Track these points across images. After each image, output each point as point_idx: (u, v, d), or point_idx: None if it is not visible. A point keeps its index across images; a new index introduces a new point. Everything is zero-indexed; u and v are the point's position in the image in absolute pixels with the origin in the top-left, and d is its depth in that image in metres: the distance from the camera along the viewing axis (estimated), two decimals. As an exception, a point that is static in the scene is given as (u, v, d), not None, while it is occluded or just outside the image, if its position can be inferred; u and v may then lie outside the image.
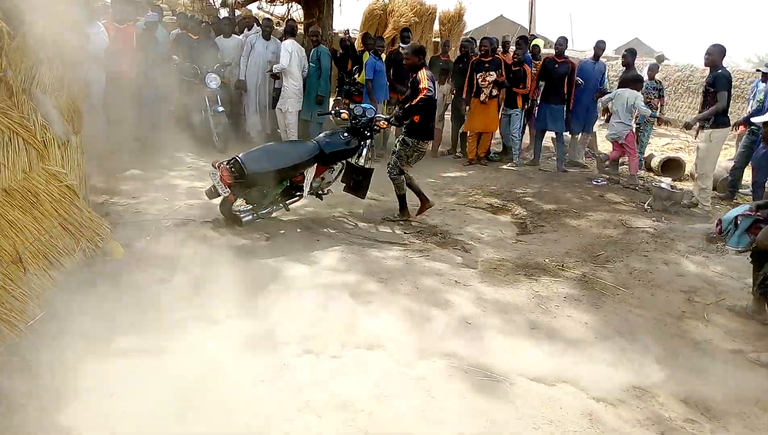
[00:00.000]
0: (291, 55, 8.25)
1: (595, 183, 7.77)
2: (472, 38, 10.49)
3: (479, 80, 8.42)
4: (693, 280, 4.72)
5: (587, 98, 8.29)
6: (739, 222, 5.03)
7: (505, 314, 3.88)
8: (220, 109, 8.03)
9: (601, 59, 8.74)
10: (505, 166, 8.70)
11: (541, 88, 8.54)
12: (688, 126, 6.70)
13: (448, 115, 10.07)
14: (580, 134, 8.89)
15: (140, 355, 3.05)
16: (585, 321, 3.89)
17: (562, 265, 4.82)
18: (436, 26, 14.76)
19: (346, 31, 14.43)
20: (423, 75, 5.40)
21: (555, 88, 8.31)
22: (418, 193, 5.86)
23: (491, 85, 8.35)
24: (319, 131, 8.65)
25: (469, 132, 8.95)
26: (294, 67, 8.37)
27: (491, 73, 8.32)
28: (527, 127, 9.22)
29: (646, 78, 8.60)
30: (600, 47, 8.40)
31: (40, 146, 3.70)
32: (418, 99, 5.35)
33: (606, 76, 8.44)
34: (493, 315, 3.86)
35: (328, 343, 3.32)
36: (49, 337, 3.17)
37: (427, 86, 5.33)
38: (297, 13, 11.14)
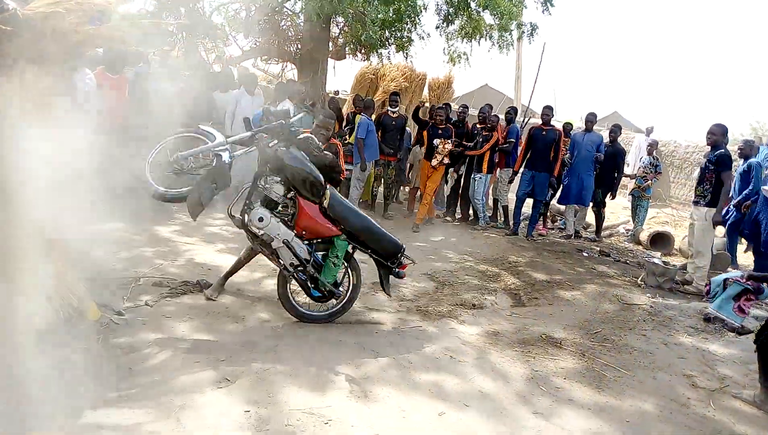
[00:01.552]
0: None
1: (585, 254, 7.71)
2: (447, 104, 10.66)
3: (437, 145, 8.52)
4: (694, 363, 4.58)
5: (581, 169, 8.36)
6: (727, 286, 4.98)
7: (505, 396, 3.67)
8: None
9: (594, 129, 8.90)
10: (494, 233, 8.62)
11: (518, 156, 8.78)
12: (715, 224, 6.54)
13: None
14: (573, 206, 8.90)
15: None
16: (588, 406, 3.69)
17: (560, 343, 4.65)
18: (426, 91, 15.08)
19: (336, 92, 14.67)
20: None
21: (541, 155, 8.37)
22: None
23: (446, 153, 8.47)
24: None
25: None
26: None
27: (449, 141, 8.45)
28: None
29: (644, 153, 8.77)
30: (590, 120, 8.58)
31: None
32: None
33: (602, 145, 8.51)
34: (492, 397, 3.64)
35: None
36: (12, 410, 2.88)
37: None
38: (291, 72, 11.23)
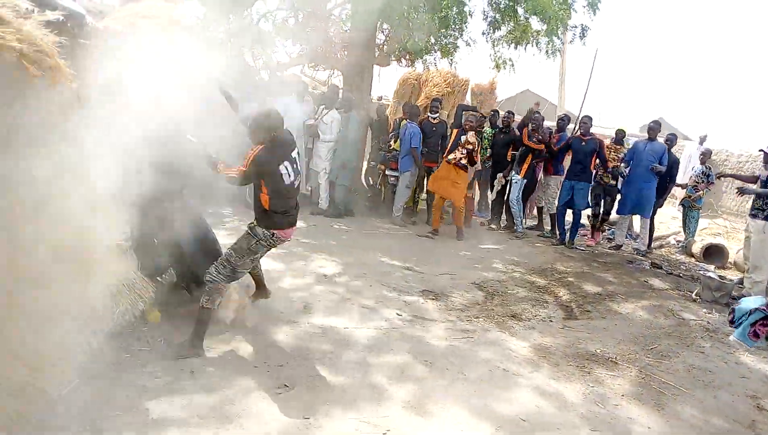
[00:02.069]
0: (330, 124, 8.57)
1: (635, 266, 7.54)
2: (496, 110, 10.67)
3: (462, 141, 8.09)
4: (757, 383, 4.42)
5: (640, 179, 8.11)
6: (751, 314, 4.83)
7: (562, 412, 3.62)
8: None
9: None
10: (541, 242, 8.51)
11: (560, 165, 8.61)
12: (742, 192, 6.49)
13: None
14: (628, 216, 8.67)
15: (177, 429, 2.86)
16: (648, 425, 3.61)
17: (615, 358, 4.55)
18: (468, 97, 15.02)
19: (380, 98, 14.74)
20: None
21: (581, 165, 8.25)
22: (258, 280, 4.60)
23: (469, 147, 8.00)
24: (343, 192, 8.84)
25: (435, 199, 8.53)
26: (328, 133, 8.69)
27: (473, 137, 8.11)
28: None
29: (696, 162, 8.49)
30: (653, 128, 8.27)
31: (101, 205, 3.63)
32: None
33: (664, 156, 8.18)
34: (549, 414, 3.59)
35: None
36: (83, 407, 3.00)
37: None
38: (338, 78, 11.33)
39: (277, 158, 3.79)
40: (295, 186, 3.94)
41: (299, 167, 3.96)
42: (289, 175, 3.85)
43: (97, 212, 3.56)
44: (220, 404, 3.24)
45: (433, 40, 10.72)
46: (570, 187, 8.26)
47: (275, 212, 3.85)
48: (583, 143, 8.20)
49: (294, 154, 3.92)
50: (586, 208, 8.43)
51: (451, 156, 8.08)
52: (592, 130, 8.41)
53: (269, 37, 11.43)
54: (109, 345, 3.54)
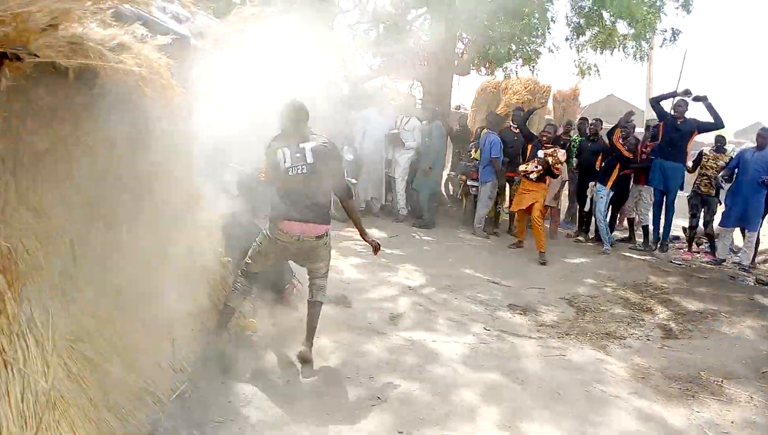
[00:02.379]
0: (413, 132, 8.63)
1: (739, 282, 7.05)
2: (585, 118, 10.33)
3: (541, 156, 7.51)
4: None
5: (747, 190, 7.54)
6: None
7: (668, 439, 3.42)
8: (354, 181, 8.24)
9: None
10: (633, 255, 8.13)
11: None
12: None
13: (566, 193, 9.79)
14: (731, 229, 8.12)
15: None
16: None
17: (722, 382, 4.26)
18: (550, 104, 14.67)
19: (458, 107, 14.66)
20: None
21: (675, 145, 7.92)
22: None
23: (550, 164, 7.43)
24: (425, 202, 8.83)
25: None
26: (410, 140, 8.74)
27: (558, 152, 7.55)
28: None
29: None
30: (763, 136, 7.62)
31: (207, 221, 3.84)
32: None
33: None
34: (655, 438, 3.41)
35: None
36: (189, 412, 3.13)
37: None
38: (419, 89, 11.39)
39: (279, 143, 3.76)
40: (291, 173, 3.67)
41: (308, 160, 3.69)
42: (285, 160, 3.69)
43: (205, 229, 3.77)
44: (314, 413, 3.30)
45: (514, 48, 10.57)
46: (661, 166, 8.01)
47: (278, 202, 3.73)
48: (680, 122, 7.87)
49: (304, 145, 3.73)
50: (676, 191, 8.12)
51: (522, 167, 7.75)
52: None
53: (351, 50, 11.69)
54: (213, 353, 3.68)
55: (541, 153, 7.50)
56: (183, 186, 3.59)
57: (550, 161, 7.44)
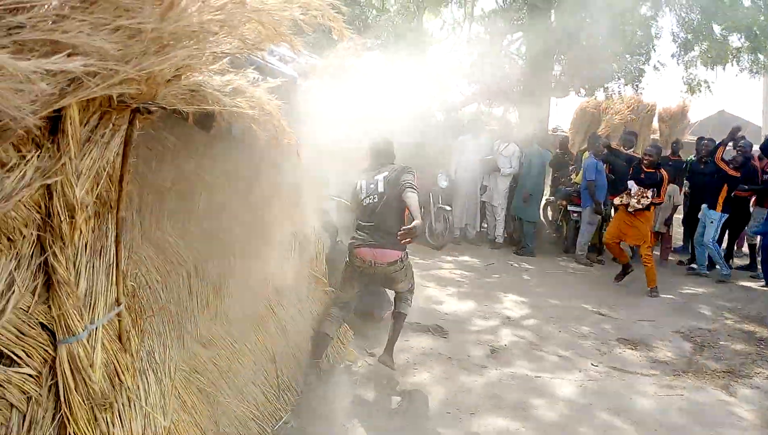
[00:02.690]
0: (510, 157, 8.48)
1: None
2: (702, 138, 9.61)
3: (632, 191, 6.73)
4: None
5: None
6: None
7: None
8: (448, 207, 8.23)
9: None
10: (755, 285, 7.43)
11: None
12: None
13: (678, 217, 9.17)
14: None
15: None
16: None
17: None
18: (655, 123, 13.91)
19: (555, 129, 14.27)
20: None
21: None
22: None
23: (645, 200, 6.60)
24: (527, 229, 8.58)
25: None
26: (508, 167, 8.58)
27: (648, 193, 6.61)
28: None
29: None
30: None
31: (313, 251, 3.96)
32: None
33: None
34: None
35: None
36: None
37: None
38: (514, 113, 11.24)
39: (361, 175, 4.08)
40: (366, 202, 3.92)
41: (380, 188, 3.91)
42: (362, 191, 3.99)
43: (309, 258, 3.89)
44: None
45: (616, 67, 10.17)
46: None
47: (355, 229, 3.98)
48: None
49: (378, 177, 3.97)
50: None
51: (616, 200, 6.95)
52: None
53: (446, 79, 11.77)
54: (313, 383, 3.75)
55: (633, 186, 6.74)
56: (290, 218, 3.73)
57: (634, 202, 6.64)
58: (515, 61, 10.66)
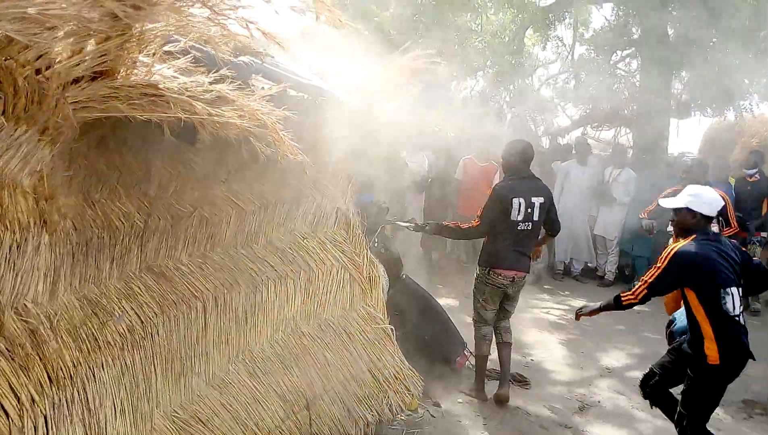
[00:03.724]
0: (627, 184, 7.63)
1: None
2: None
3: None
4: None
5: None
6: None
7: None
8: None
9: None
10: None
11: None
12: None
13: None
14: None
15: None
16: None
17: None
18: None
19: (681, 154, 12.87)
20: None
21: None
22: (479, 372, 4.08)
23: None
24: (645, 265, 7.54)
25: None
26: (624, 194, 7.66)
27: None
28: None
29: None
30: None
31: (365, 284, 3.55)
32: None
33: None
34: None
35: None
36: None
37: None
38: (626, 137, 10.24)
39: (513, 191, 3.84)
40: (520, 227, 3.84)
41: (536, 216, 3.87)
42: (518, 213, 3.81)
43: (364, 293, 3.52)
44: None
45: (747, 81, 8.91)
46: None
47: (493, 247, 3.90)
48: None
49: (536, 201, 3.85)
50: None
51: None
52: None
53: (551, 103, 11.09)
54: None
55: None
56: (338, 247, 3.41)
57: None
58: (627, 80, 9.73)
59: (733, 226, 4.70)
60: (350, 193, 3.50)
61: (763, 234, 6.67)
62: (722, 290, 2.82)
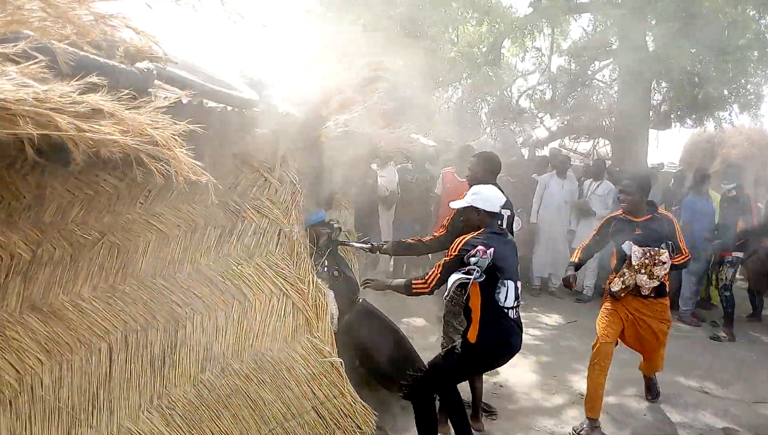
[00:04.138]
0: (605, 197, 7.53)
1: None
2: None
3: (638, 260, 3.82)
4: None
5: None
6: None
7: None
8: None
9: None
10: None
11: None
12: None
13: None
14: None
15: None
16: None
17: None
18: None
19: (661, 165, 12.76)
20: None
21: None
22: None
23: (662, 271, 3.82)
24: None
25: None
26: (602, 208, 7.43)
27: (661, 249, 3.81)
28: None
29: None
30: None
31: (311, 313, 3.23)
32: None
33: None
34: None
35: None
36: None
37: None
38: (604, 148, 10.06)
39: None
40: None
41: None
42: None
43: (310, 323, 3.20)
44: None
45: (727, 92, 8.78)
46: None
47: None
48: None
49: (504, 212, 3.69)
50: None
51: (615, 285, 3.92)
52: None
53: (528, 114, 10.90)
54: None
55: (636, 250, 3.84)
56: (279, 272, 3.10)
57: (644, 280, 3.84)
58: (604, 91, 9.56)
59: (683, 252, 3.91)
60: (295, 212, 3.19)
61: (737, 254, 6.38)
62: (500, 281, 3.01)
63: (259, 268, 2.97)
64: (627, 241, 3.89)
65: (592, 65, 9.56)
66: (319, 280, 3.29)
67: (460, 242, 3.07)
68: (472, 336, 3.03)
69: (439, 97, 10.23)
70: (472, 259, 2.97)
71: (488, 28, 9.65)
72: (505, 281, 3.03)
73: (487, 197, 3.21)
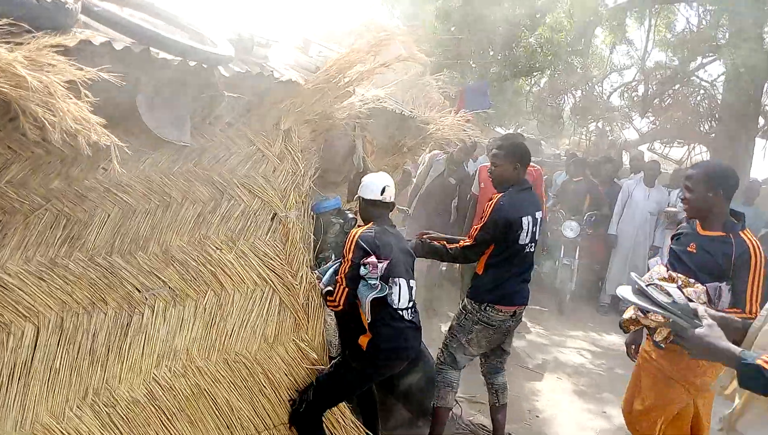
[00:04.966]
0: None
1: None
2: None
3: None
4: None
5: None
6: None
7: None
8: (566, 261, 6.50)
9: None
10: None
11: None
12: None
13: None
14: None
15: None
16: None
17: None
18: None
19: (766, 181, 11.32)
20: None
21: None
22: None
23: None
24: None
25: None
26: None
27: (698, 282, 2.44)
28: None
29: None
30: None
31: (300, 313, 2.84)
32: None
33: None
34: None
35: None
36: None
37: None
38: (702, 155, 8.91)
39: (521, 209, 3.04)
40: (527, 250, 3.09)
41: (537, 234, 3.14)
42: (527, 235, 3.05)
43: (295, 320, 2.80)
44: None
45: None
46: None
47: (496, 278, 3.06)
48: None
49: (538, 215, 3.12)
50: None
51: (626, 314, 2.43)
52: None
53: (621, 113, 9.96)
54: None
55: (657, 269, 2.57)
56: (260, 256, 2.72)
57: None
58: (708, 92, 8.45)
59: (745, 309, 2.41)
60: (294, 196, 2.79)
61: None
62: (390, 280, 2.67)
63: (243, 256, 2.60)
64: (656, 256, 3.04)
65: (694, 60, 8.45)
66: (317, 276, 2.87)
67: (352, 241, 2.67)
68: (363, 342, 2.67)
69: (517, 89, 9.50)
70: (362, 271, 2.61)
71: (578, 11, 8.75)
72: (396, 279, 2.69)
73: (367, 184, 2.85)
